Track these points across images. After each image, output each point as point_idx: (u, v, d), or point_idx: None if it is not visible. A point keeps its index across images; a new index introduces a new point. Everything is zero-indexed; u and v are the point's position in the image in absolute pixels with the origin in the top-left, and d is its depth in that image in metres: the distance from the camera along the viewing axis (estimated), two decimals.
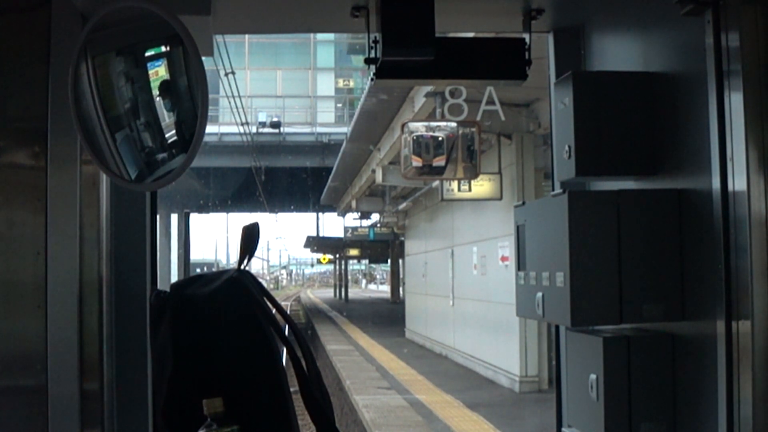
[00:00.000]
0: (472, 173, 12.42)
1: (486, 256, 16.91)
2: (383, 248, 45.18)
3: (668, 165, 2.58)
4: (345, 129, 27.13)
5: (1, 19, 2.28)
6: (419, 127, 12.18)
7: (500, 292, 15.13)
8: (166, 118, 2.08)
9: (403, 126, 12.30)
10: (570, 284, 2.50)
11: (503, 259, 15.45)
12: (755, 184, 2.14)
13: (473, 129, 11.99)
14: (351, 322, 33.71)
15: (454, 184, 14.25)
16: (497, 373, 16.10)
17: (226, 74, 19.95)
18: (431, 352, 22.38)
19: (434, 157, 11.87)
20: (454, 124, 12.05)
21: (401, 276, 40.91)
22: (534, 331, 14.51)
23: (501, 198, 14.56)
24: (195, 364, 2.18)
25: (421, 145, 11.89)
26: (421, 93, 14.23)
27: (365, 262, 72.45)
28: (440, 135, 11.92)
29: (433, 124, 12.40)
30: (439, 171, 12.08)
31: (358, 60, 40.86)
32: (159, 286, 2.42)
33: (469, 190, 14.48)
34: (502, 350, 15.72)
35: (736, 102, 2.17)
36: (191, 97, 2.04)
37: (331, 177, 29.64)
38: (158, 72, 2.07)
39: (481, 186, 14.48)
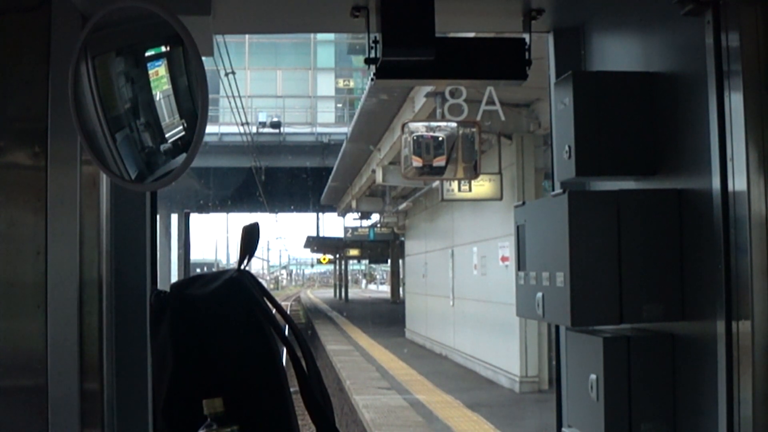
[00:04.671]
0: (473, 173, 12.41)
1: (486, 256, 16.91)
2: (383, 248, 45.16)
3: (668, 165, 2.58)
4: (345, 129, 27.11)
5: (1, 19, 2.29)
6: (419, 128, 12.18)
7: (500, 293, 15.13)
8: (167, 117, 2.08)
9: (403, 126, 12.30)
10: (570, 284, 2.50)
11: (503, 259, 15.44)
12: (755, 184, 2.14)
13: (473, 129, 11.99)
14: (351, 322, 33.70)
15: (455, 184, 14.23)
16: (497, 373, 16.10)
17: (227, 74, 19.94)
18: (431, 353, 22.38)
19: (434, 157, 11.87)
20: (454, 125, 12.04)
21: (401, 276, 40.91)
22: (534, 332, 14.49)
23: (501, 198, 14.54)
24: (195, 364, 2.17)
25: (421, 146, 11.88)
26: (421, 93, 14.23)
27: (365, 262, 72.39)
28: (440, 135, 11.91)
29: (434, 124, 12.39)
30: (439, 171, 12.07)
31: (358, 60, 40.85)
32: (159, 286, 2.42)
33: (470, 190, 14.47)
34: (502, 350, 15.72)
35: (736, 102, 2.17)
36: (191, 97, 2.04)
37: (331, 177, 29.63)
38: (158, 72, 2.07)
39: (482, 186, 14.47)
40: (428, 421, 12.19)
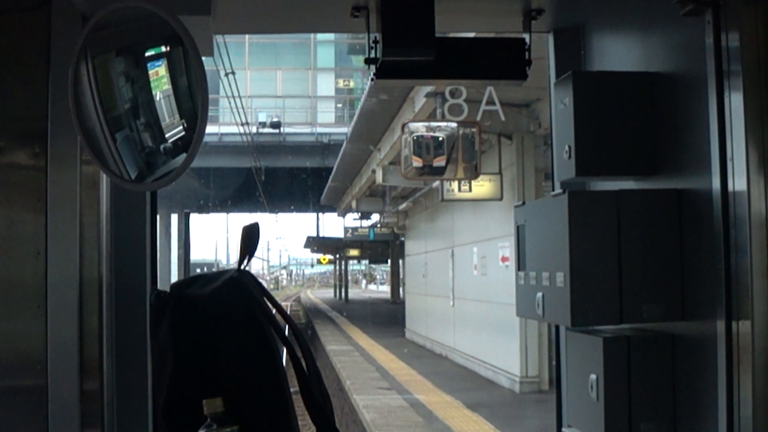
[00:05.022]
0: (473, 173, 12.40)
1: (486, 256, 16.90)
2: (383, 248, 45.15)
3: (668, 165, 2.58)
4: (345, 129, 27.11)
5: (1, 19, 2.29)
6: (419, 128, 12.17)
7: (500, 293, 15.11)
8: (167, 117, 2.08)
9: (403, 126, 12.28)
10: (570, 284, 2.50)
11: (503, 259, 15.43)
12: (755, 184, 2.14)
13: (473, 129, 11.97)
14: (351, 322, 33.68)
15: (455, 185, 14.22)
16: (497, 373, 16.09)
17: (226, 74, 19.94)
18: (431, 353, 22.37)
19: (434, 157, 11.85)
20: (454, 125, 12.03)
21: (401, 276, 40.89)
22: (534, 332, 14.47)
23: (501, 198, 14.53)
24: (195, 364, 2.17)
25: (421, 146, 11.87)
26: (421, 93, 14.23)
27: (365, 262, 72.34)
28: (440, 135, 11.90)
29: (434, 124, 12.38)
30: (439, 171, 12.05)
31: (359, 60, 40.82)
32: (159, 286, 2.41)
33: (470, 190, 14.45)
34: (502, 351, 15.70)
35: (736, 102, 2.17)
36: (191, 97, 2.04)
37: (331, 177, 29.63)
38: (158, 72, 2.07)
39: (482, 186, 14.45)
40: (428, 422, 12.18)
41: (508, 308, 14.09)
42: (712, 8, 2.23)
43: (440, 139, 11.88)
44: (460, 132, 11.91)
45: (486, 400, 14.09)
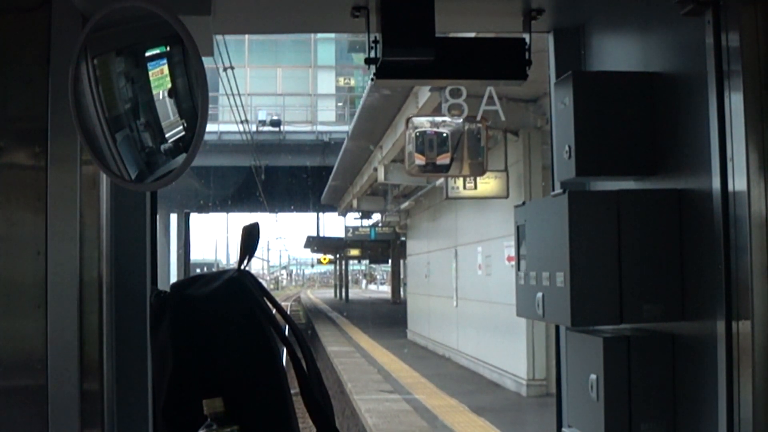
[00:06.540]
0: (479, 170, 12.24)
1: (491, 255, 16.78)
2: (384, 248, 45.12)
3: (668, 165, 2.58)
4: (346, 128, 27.07)
5: (1, 19, 2.29)
6: (424, 123, 12.04)
7: (506, 293, 14.87)
8: (167, 117, 2.08)
9: (407, 121, 12.17)
10: (570, 284, 2.50)
11: (509, 259, 15.23)
12: (755, 184, 2.14)
13: (479, 125, 11.84)
14: (351, 322, 33.65)
15: (460, 182, 14.06)
16: (503, 376, 15.89)
17: (225, 69, 19.87)
18: (434, 354, 22.32)
19: (438, 155, 11.73)
20: (459, 120, 11.91)
21: (402, 276, 40.87)
22: (542, 333, 14.09)
23: (507, 196, 14.30)
24: (195, 364, 2.18)
25: (424, 142, 11.76)
26: (425, 88, 14.11)
27: (365, 262, 72.32)
28: (445, 131, 11.76)
29: (438, 119, 12.22)
30: (443, 168, 11.92)
31: (359, 58, 40.79)
32: (159, 286, 2.42)
33: (475, 187, 14.25)
34: (508, 352, 15.45)
35: (736, 102, 2.17)
36: (191, 96, 2.04)
37: (331, 176, 29.62)
38: (163, 71, 2.07)
39: (487, 184, 14.25)
40: (433, 426, 12.06)
41: (513, 309, 13.86)
42: (712, 8, 2.23)
43: (444, 135, 11.75)
44: (466, 128, 11.79)
45: (492, 404, 13.89)
